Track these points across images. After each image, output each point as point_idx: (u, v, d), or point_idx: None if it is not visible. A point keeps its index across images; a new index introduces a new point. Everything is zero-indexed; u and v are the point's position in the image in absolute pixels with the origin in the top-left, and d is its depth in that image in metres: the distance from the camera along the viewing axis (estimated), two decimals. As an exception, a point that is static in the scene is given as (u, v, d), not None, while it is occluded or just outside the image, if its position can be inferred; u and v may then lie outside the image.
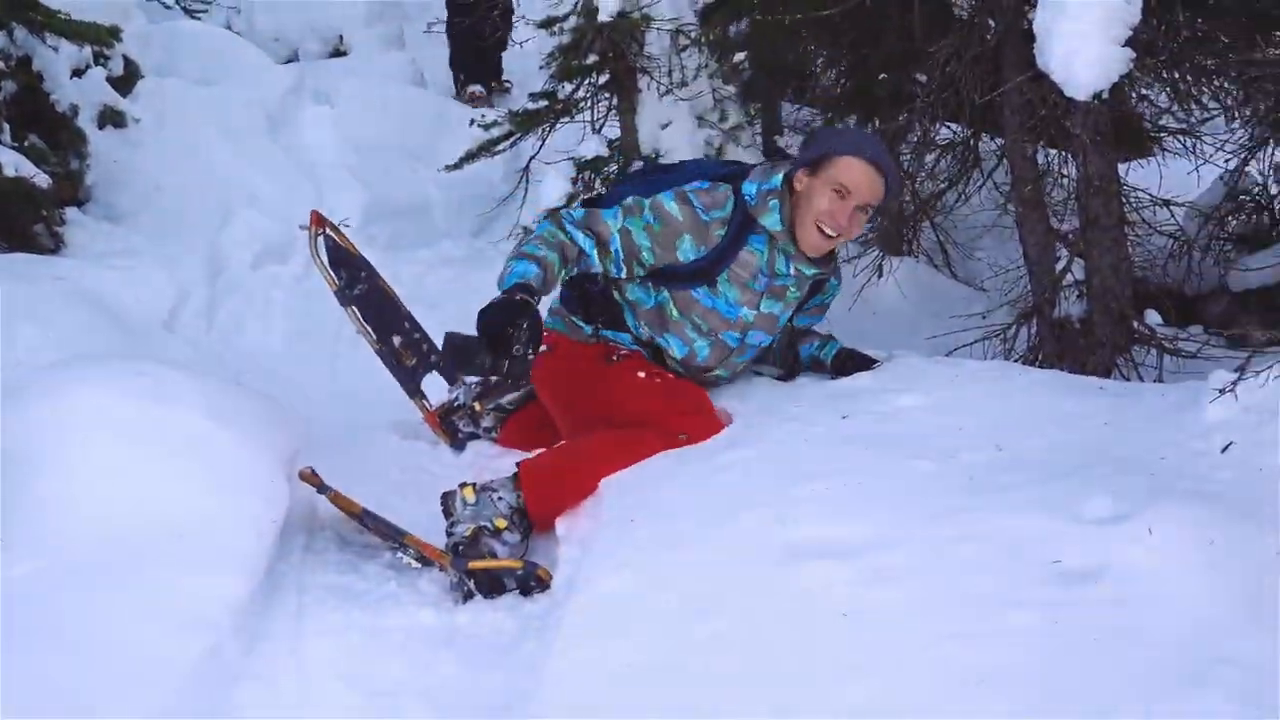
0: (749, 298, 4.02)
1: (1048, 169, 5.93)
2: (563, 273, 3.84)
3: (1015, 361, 4.96)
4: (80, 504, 3.21)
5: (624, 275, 3.99)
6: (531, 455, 3.97)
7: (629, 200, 3.96)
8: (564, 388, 4.04)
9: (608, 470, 3.69)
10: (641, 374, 4.00)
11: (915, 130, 5.93)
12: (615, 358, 4.06)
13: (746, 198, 3.95)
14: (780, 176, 3.94)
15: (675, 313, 4.04)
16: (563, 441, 4.04)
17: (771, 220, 3.92)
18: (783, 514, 3.08)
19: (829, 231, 3.91)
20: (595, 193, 4.72)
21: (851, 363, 4.16)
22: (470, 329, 3.60)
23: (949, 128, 6.62)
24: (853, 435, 3.52)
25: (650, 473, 3.61)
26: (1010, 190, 5.52)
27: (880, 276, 6.18)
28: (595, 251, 3.89)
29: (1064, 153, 6.04)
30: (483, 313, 3.60)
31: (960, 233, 6.76)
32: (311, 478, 3.84)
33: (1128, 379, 4.76)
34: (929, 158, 6.49)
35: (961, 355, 4.86)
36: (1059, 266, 5.02)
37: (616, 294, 4.12)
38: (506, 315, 3.56)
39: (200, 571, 3.10)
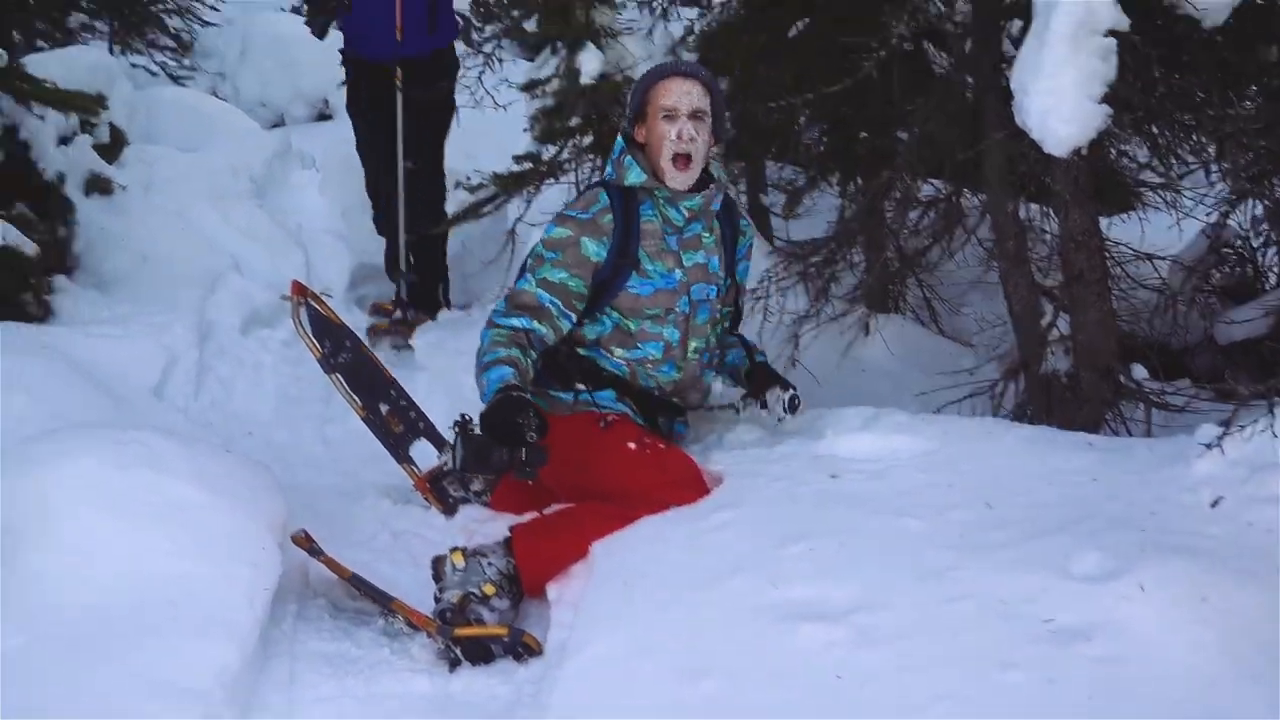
0: (671, 260, 4.16)
1: (1030, 224, 5.96)
2: (529, 362, 3.94)
3: (1003, 417, 4.97)
4: (71, 575, 3.20)
5: (575, 320, 4.11)
6: (524, 519, 3.97)
7: (527, 260, 4.18)
8: (556, 461, 4.02)
9: (600, 534, 3.68)
10: (632, 444, 3.96)
11: (897, 187, 5.97)
12: (603, 424, 4.02)
13: (609, 177, 4.21)
14: (620, 141, 4.22)
15: (632, 323, 4.13)
16: (555, 506, 4.03)
17: (634, 175, 4.14)
18: (773, 575, 3.09)
19: (680, 151, 4.10)
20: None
21: (763, 375, 4.37)
22: (453, 398, 3.59)
23: (931, 184, 6.66)
24: (841, 494, 3.53)
25: (641, 535, 3.60)
26: (994, 246, 5.55)
27: (867, 334, 6.16)
28: (536, 323, 3.99)
29: (1046, 208, 6.08)
30: (485, 417, 3.72)
31: (946, 289, 6.78)
32: (305, 541, 3.84)
33: (1116, 433, 4.77)
34: (912, 214, 6.53)
35: (950, 412, 4.87)
36: (1044, 321, 5.03)
37: (581, 349, 4.17)
38: (509, 412, 3.69)
39: (192, 640, 3.08)
